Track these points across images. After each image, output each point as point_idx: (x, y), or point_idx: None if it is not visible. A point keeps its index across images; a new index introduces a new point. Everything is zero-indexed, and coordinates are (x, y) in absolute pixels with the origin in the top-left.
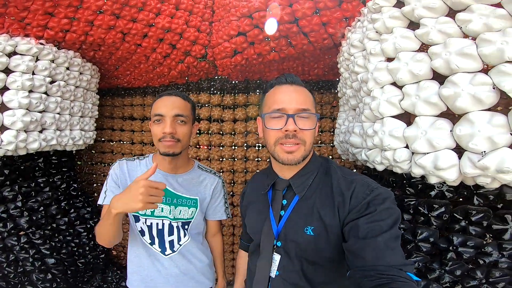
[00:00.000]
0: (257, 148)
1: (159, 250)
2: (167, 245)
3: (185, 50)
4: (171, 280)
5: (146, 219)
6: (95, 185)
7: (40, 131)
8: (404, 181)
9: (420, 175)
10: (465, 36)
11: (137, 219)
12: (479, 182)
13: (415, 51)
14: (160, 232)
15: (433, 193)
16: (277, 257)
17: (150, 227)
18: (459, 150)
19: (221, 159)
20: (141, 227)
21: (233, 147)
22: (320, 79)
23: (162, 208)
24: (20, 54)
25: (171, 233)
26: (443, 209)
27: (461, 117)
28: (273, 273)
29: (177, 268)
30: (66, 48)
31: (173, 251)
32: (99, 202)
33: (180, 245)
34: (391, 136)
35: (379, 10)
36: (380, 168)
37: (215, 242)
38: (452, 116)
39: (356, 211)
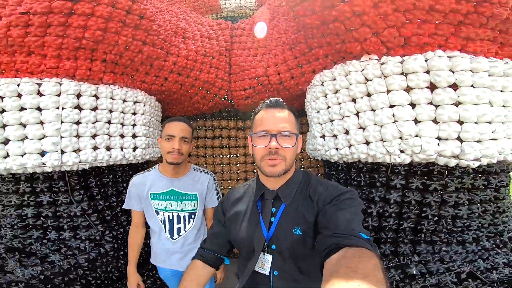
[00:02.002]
0: None
1: (169, 236)
2: (175, 231)
3: (214, 93)
4: (178, 256)
5: (163, 213)
6: None
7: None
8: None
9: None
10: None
11: (157, 213)
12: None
13: (325, 109)
14: (171, 222)
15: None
16: (269, 258)
17: (164, 219)
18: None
19: (237, 164)
20: (161, 219)
21: (244, 156)
22: (297, 110)
23: (171, 204)
24: (139, 102)
25: (178, 222)
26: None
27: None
28: (267, 271)
29: (183, 248)
30: (150, 94)
31: (179, 235)
32: (124, 206)
33: (186, 230)
34: (318, 144)
35: (315, 85)
36: (314, 154)
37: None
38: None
39: (327, 202)
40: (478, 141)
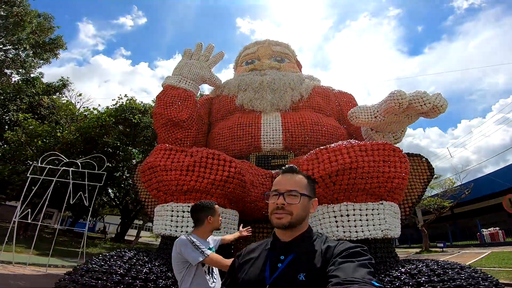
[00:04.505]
0: None
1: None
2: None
3: (265, 212)
4: None
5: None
6: None
7: None
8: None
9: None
10: None
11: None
12: None
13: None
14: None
15: None
16: None
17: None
18: None
19: None
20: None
21: None
22: None
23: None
24: (236, 215)
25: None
26: None
27: None
28: None
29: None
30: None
31: (213, 273)
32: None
33: (213, 269)
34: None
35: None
36: None
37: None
38: None
39: (337, 255)
40: (356, 232)
